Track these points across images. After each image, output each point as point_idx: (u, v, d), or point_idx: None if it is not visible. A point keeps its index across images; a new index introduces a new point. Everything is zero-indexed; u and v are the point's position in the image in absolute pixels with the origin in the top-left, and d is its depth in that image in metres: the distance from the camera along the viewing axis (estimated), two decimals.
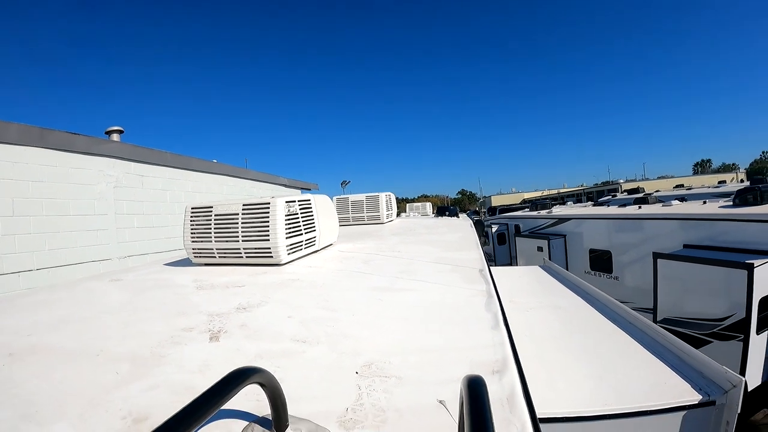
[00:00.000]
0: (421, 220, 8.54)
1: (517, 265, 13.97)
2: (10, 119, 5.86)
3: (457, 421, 0.85)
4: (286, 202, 3.16)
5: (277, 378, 0.93)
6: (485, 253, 3.34)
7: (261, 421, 1.02)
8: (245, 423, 1.02)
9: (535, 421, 1.02)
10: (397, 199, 7.82)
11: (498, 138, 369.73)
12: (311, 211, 3.52)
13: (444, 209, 9.74)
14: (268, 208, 3.07)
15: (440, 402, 1.06)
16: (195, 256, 3.33)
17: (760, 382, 6.97)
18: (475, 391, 0.80)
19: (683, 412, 2.39)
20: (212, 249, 3.22)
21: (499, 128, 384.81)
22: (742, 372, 6.65)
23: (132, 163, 7.66)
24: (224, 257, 3.23)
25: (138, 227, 7.69)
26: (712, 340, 7.12)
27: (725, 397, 2.41)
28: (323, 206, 3.79)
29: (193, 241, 3.29)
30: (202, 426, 1.02)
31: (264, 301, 2.23)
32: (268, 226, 3.03)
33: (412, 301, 2.19)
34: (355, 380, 1.24)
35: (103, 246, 6.99)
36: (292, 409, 1.02)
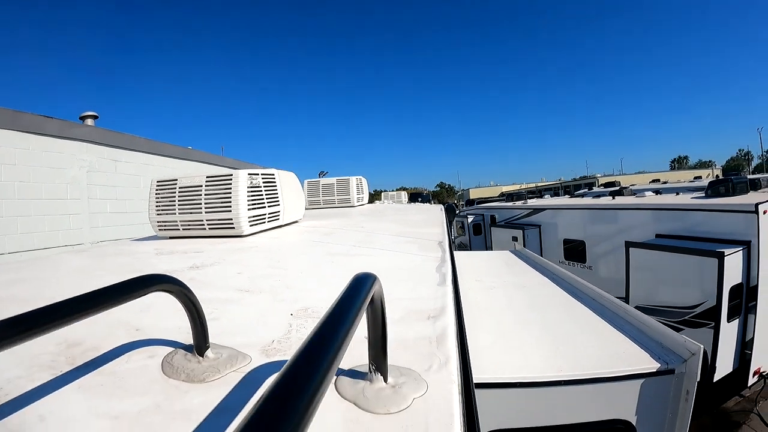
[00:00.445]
0: (393, 205, 8.59)
1: None
2: None
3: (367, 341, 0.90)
4: (249, 174, 3.22)
5: (212, 318, 0.99)
6: (462, 244, 3.40)
7: (187, 348, 1.07)
8: (171, 349, 1.09)
9: (465, 361, 1.10)
10: (375, 190, 7.85)
11: (477, 132, 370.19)
12: (275, 185, 3.57)
13: (417, 195, 9.88)
14: (231, 179, 3.13)
15: (366, 337, 1.14)
16: (160, 229, 3.38)
17: (731, 370, 7.14)
18: (357, 282, 0.84)
19: (641, 380, 2.45)
20: (176, 221, 3.27)
21: (479, 122, 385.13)
22: (713, 360, 6.84)
23: (106, 148, 7.63)
24: (188, 229, 3.28)
25: (111, 212, 7.67)
26: (683, 327, 7.23)
27: (684, 366, 2.46)
28: (288, 182, 3.85)
29: (158, 214, 3.34)
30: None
31: (217, 262, 2.30)
32: (230, 198, 3.09)
33: (365, 264, 2.25)
34: (288, 320, 1.32)
35: (75, 230, 6.97)
36: (222, 341, 1.10)
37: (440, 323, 1.27)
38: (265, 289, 1.70)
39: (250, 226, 3.19)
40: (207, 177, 3.20)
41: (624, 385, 2.45)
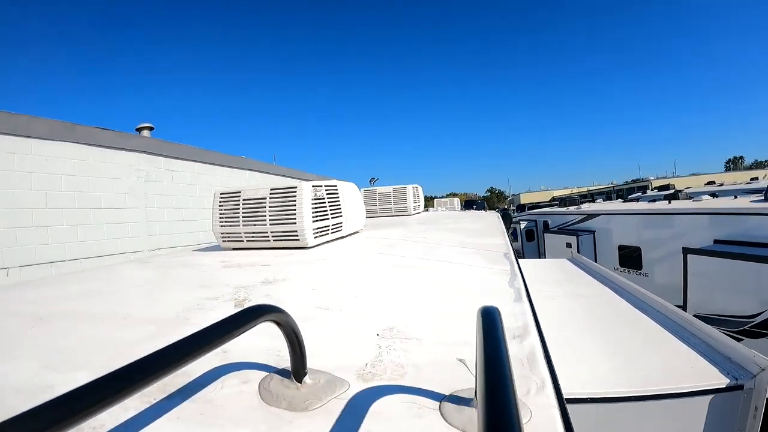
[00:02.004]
0: (449, 212, 8.49)
1: None
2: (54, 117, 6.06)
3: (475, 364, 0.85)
4: (313, 186, 3.18)
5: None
6: (514, 250, 3.32)
7: (281, 372, 1.03)
8: (265, 374, 1.04)
9: (556, 382, 1.01)
10: (425, 196, 7.80)
11: (527, 136, 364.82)
12: (338, 197, 3.53)
13: (471, 203, 9.73)
14: (295, 192, 3.09)
15: (460, 360, 1.07)
16: (223, 240, 3.38)
17: None
18: (490, 316, 0.81)
19: (710, 396, 2.34)
20: (240, 233, 3.26)
21: (528, 127, 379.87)
22: None
23: (161, 158, 7.81)
24: (252, 241, 3.26)
25: (168, 220, 7.84)
26: (743, 337, 6.85)
27: (753, 382, 2.36)
28: (350, 193, 3.81)
29: (221, 226, 3.34)
30: (222, 375, 1.04)
31: (288, 277, 2.25)
32: (294, 210, 3.05)
33: (435, 278, 2.19)
34: (376, 341, 1.25)
35: (134, 238, 7.15)
36: (312, 364, 1.03)
37: (527, 343, 1.21)
38: (343, 306, 1.64)
39: (315, 237, 3.14)
40: (271, 189, 3.17)
41: (693, 401, 2.35)
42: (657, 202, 11.91)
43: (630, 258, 11.18)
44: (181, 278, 2.47)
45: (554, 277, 5.14)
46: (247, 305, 1.67)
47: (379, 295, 1.86)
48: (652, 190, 28.13)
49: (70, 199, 6.38)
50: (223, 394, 0.96)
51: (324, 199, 3.29)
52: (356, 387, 0.97)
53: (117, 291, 2.21)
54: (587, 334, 3.04)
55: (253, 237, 3.24)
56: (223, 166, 9.34)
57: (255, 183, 10.76)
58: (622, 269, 11.39)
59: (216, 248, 3.54)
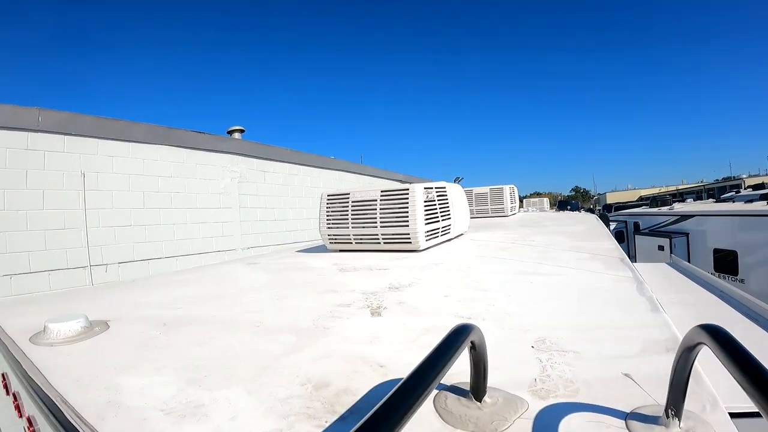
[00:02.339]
0: (544, 213, 8.25)
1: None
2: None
3: (669, 384, 0.81)
4: (425, 188, 3.12)
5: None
6: None
7: (452, 389, 0.97)
8: (434, 391, 0.95)
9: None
10: None
11: (612, 134, 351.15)
12: (447, 199, 3.47)
13: (565, 203, 9.39)
14: (407, 194, 3.03)
15: (626, 375, 1.02)
16: (330, 242, 3.38)
17: None
18: (725, 336, 0.75)
19: None
20: (349, 235, 3.25)
21: (614, 123, 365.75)
22: None
23: (254, 160, 8.05)
24: (360, 243, 3.25)
25: (260, 220, 8.06)
26: None
27: None
28: (457, 195, 3.74)
29: (329, 227, 3.33)
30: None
31: (414, 282, 2.19)
32: (407, 212, 3.00)
33: (562, 284, 2.12)
34: (533, 354, 1.19)
35: (228, 237, 7.41)
36: None
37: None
38: (485, 316, 1.56)
39: (426, 240, 3.07)
40: (382, 191, 3.14)
41: None
42: (754, 203, 11.08)
43: (725, 262, 10.51)
44: (300, 282, 2.46)
45: (657, 283, 4.84)
46: (384, 313, 1.66)
47: (516, 303, 1.78)
48: (745, 189, 26.31)
49: (166, 199, 6.68)
50: None
51: (435, 201, 3.22)
52: (536, 405, 0.91)
53: (237, 294, 2.23)
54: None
55: (362, 239, 3.21)
56: (313, 166, 9.50)
57: (345, 184, 10.91)
58: (716, 274, 10.68)
59: (320, 249, 3.54)
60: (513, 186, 6.95)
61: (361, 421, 0.55)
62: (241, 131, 8.48)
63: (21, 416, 1.60)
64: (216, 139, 7.52)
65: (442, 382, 0.99)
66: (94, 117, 5.87)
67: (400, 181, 14.95)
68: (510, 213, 6.83)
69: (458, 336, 0.81)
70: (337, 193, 3.34)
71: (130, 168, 6.24)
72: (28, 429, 1.39)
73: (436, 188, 3.30)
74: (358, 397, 0.96)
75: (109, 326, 1.71)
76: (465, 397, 0.92)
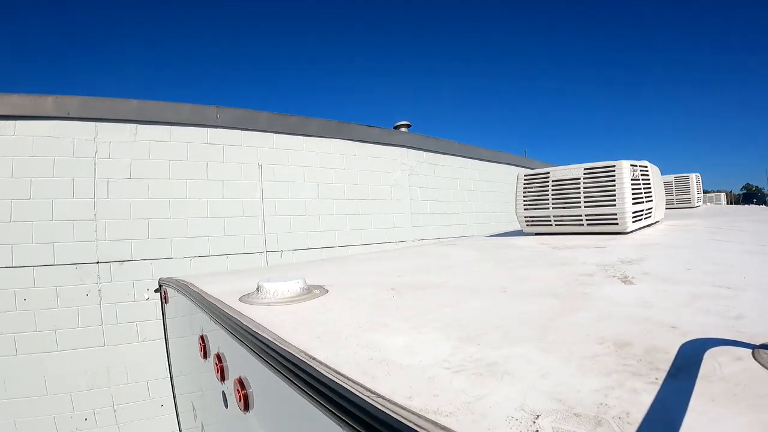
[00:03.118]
0: (729, 207, 7.51)
1: None
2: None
3: None
4: (631, 165, 3.00)
5: None
6: None
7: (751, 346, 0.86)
8: (735, 348, 0.88)
9: None
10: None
11: None
12: (649, 180, 3.29)
13: (752, 196, 8.43)
14: (614, 171, 2.95)
15: None
16: (528, 225, 3.38)
17: None
18: None
19: None
20: (549, 216, 3.23)
21: None
22: None
23: (424, 153, 8.33)
24: (561, 224, 3.22)
25: (430, 213, 8.31)
26: None
27: None
28: (656, 176, 3.54)
29: (525, 209, 3.34)
30: None
31: (644, 258, 2.09)
32: (614, 191, 2.93)
33: None
34: None
35: (399, 228, 7.77)
36: None
37: None
38: (744, 287, 1.41)
39: (632, 222, 2.96)
40: (584, 168, 3.09)
41: None
42: None
43: None
44: (517, 257, 2.46)
45: None
46: (636, 282, 1.57)
47: None
48: None
49: (339, 190, 7.13)
50: (730, 371, 0.77)
51: (639, 180, 3.09)
52: None
53: (458, 266, 2.27)
54: None
55: (563, 220, 3.18)
56: (482, 159, 9.55)
57: (513, 178, 10.01)
58: None
59: (517, 233, 3.51)
60: (698, 174, 6.43)
61: None
62: (408, 126, 8.74)
63: (224, 379, 1.57)
64: (386, 133, 7.90)
65: (728, 337, 0.94)
66: (269, 113, 6.49)
67: None
68: (696, 204, 6.39)
69: None
70: (536, 172, 3.35)
71: (304, 160, 6.79)
72: (239, 392, 1.33)
73: (640, 167, 3.16)
74: (672, 355, 0.87)
75: (327, 291, 1.73)
76: None
